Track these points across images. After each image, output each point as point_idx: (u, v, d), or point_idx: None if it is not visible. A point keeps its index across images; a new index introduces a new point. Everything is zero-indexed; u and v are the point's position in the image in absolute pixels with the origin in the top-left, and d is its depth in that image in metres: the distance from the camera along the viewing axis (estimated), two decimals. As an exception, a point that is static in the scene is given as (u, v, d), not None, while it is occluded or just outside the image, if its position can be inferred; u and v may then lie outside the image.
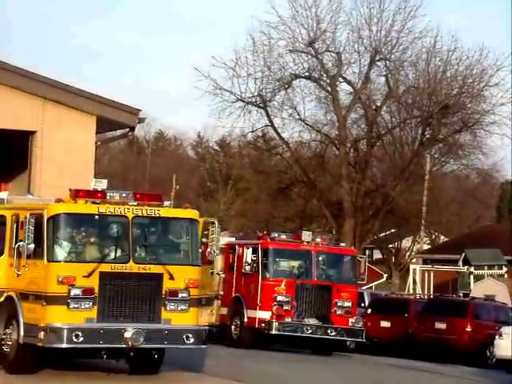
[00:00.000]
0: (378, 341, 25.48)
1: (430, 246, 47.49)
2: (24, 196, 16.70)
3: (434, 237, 50.89)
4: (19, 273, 14.19)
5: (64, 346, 13.56)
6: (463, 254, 37.35)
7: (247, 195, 50.09)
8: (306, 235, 22.44)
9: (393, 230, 46.22)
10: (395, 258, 44.85)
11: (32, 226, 13.84)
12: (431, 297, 29.03)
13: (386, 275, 38.34)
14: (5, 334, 14.29)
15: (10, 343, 14.21)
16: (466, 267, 36.39)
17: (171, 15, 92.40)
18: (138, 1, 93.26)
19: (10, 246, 14.56)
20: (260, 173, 43.11)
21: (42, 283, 13.81)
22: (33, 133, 19.19)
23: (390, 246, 46.69)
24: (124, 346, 13.77)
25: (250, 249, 22.28)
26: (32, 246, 13.88)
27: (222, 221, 56.38)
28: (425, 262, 41.02)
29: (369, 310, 26.67)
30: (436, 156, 41.07)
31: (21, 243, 14.09)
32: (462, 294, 28.39)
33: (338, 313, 21.87)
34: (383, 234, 46.68)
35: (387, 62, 39.03)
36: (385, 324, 26.10)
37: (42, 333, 13.59)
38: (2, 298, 14.50)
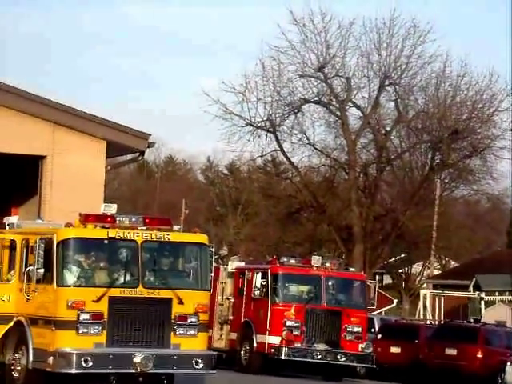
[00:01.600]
0: (388, 366, 25.31)
1: (440, 272, 47.30)
2: (34, 221, 16.74)
3: (444, 262, 50.68)
4: (29, 297, 14.20)
5: (73, 371, 13.55)
6: (474, 280, 37.21)
7: (256, 220, 50.02)
8: (316, 260, 22.38)
9: (403, 255, 46.05)
10: (405, 284, 44.65)
11: (42, 251, 13.87)
12: (442, 322, 28.86)
13: (396, 300, 38.18)
14: (14, 359, 14.29)
15: (19, 368, 14.21)
16: (476, 293, 36.21)
17: (181, 40, 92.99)
18: (147, 25, 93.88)
19: (20, 270, 14.57)
20: (269, 197, 43.10)
21: (51, 308, 13.82)
22: (43, 157, 19.27)
23: (400, 271, 46.51)
24: (133, 371, 13.74)
25: (260, 273, 22.24)
26: (42, 270, 13.91)
27: (231, 245, 56.50)
28: (435, 287, 40.84)
29: (379, 336, 26.53)
30: (446, 181, 40.98)
31: (30, 268, 14.12)
32: (472, 320, 28.21)
33: (347, 338, 21.76)
34: (393, 259, 46.51)
35: (397, 86, 39.09)
36: (395, 350, 25.94)
37: (51, 358, 13.59)
38: (12, 323, 14.49)
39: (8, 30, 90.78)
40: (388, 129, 39.89)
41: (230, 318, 22.99)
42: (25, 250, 14.57)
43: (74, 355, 13.49)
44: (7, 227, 15.43)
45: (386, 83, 38.96)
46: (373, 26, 38.74)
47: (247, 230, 53.82)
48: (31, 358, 13.91)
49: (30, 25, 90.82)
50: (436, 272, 46.03)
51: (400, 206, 39.28)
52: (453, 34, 69.31)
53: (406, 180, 40.30)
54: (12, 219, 15.71)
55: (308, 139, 39.22)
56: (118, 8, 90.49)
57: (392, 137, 40.01)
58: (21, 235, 14.83)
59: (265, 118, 38.86)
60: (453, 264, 50.56)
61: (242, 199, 57.18)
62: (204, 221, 55.92)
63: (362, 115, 39.49)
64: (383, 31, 38.80)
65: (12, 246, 14.89)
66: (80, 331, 13.60)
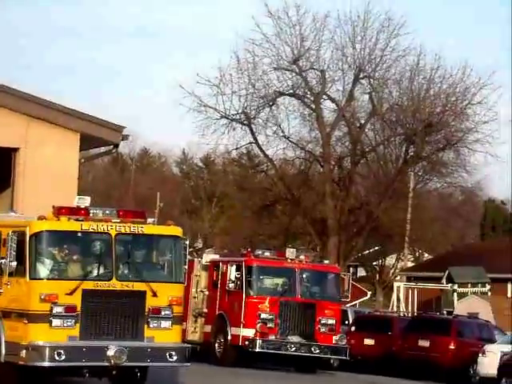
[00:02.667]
0: (362, 358, 25.44)
1: (413, 264, 47.55)
2: (7, 213, 16.62)
3: (417, 254, 50.96)
4: (1, 290, 14.11)
5: (46, 364, 13.48)
6: (447, 272, 37.40)
7: (231, 212, 50.05)
8: (290, 252, 22.43)
9: (377, 248, 46.27)
10: (379, 276, 44.87)
11: (14, 244, 13.79)
12: (415, 314, 29.03)
13: (369, 293, 38.36)
14: (-14, 353, 14.19)
15: (-9, 361, 14.12)
16: (449, 285, 36.43)
17: (154, 32, 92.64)
18: (122, 15, 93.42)
19: (-8, 263, 14.46)
20: (244, 190, 43.09)
21: (24, 301, 13.74)
22: (16, 150, 19.13)
23: (374, 263, 46.73)
24: (107, 364, 13.69)
25: (234, 266, 22.25)
26: (14, 263, 13.82)
27: (206, 238, 56.47)
28: (409, 279, 41.05)
29: (352, 328, 26.65)
30: (420, 174, 41.17)
31: (3, 261, 14.01)
32: (445, 312, 28.42)
33: (321, 330, 21.84)
34: (367, 252, 46.71)
35: (371, 79, 39.19)
36: (368, 342, 26.08)
37: (24, 351, 13.51)
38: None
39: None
40: (362, 122, 40.00)
41: (205, 310, 22.99)
42: (-3, 243, 14.47)
43: (47, 348, 13.43)
44: (-21, 220, 15.30)
45: (361, 76, 39.05)
46: (347, 19, 38.84)
47: (222, 223, 53.82)
48: (3, 352, 13.83)
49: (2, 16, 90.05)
50: (410, 264, 46.26)
51: (374, 199, 39.44)
52: (426, 27, 69.67)
53: (381, 173, 40.45)
54: (-16, 212, 15.60)
55: (283, 132, 39.28)
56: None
57: (366, 130, 40.14)
58: (-7, 228, 14.72)
59: (240, 111, 38.84)
60: (426, 256, 50.86)
61: (216, 192, 57.16)
62: (179, 213, 55.86)
63: (336, 108, 39.57)
64: (357, 24, 38.90)
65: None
66: (53, 324, 13.54)
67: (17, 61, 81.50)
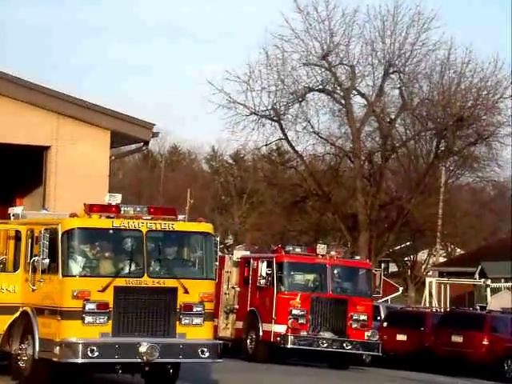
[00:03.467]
0: (394, 354, 25.32)
1: (446, 259, 47.25)
2: (39, 211, 16.74)
3: (449, 249, 50.61)
4: (34, 288, 14.21)
5: (79, 361, 13.54)
6: (480, 267, 37.16)
7: (262, 209, 50.01)
8: (321, 248, 22.38)
9: (408, 243, 46.01)
10: (411, 271, 44.62)
11: (47, 241, 13.86)
12: (447, 310, 28.85)
13: (401, 288, 38.14)
14: (20, 350, 14.30)
15: (25, 358, 14.21)
16: (482, 280, 36.17)
17: (185, 29, 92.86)
18: (152, 12, 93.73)
19: (26, 260, 14.58)
20: (274, 186, 43.05)
21: (56, 298, 13.81)
22: (47, 148, 19.25)
23: (406, 258, 46.47)
24: (139, 360, 13.73)
25: (265, 262, 22.24)
26: (47, 260, 13.90)
27: (236, 234, 56.51)
28: (441, 274, 40.81)
29: (385, 324, 26.53)
30: (451, 168, 40.90)
31: (36, 258, 14.11)
32: (478, 307, 28.21)
33: (353, 326, 21.78)
34: (399, 247, 46.47)
35: (401, 74, 38.97)
36: (401, 337, 25.95)
37: (58, 348, 13.59)
38: (18, 313, 14.51)
39: (6, 20, 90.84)
40: (393, 117, 39.79)
41: (236, 307, 23.01)
42: (30, 241, 14.57)
43: (80, 345, 13.49)
44: (12, 218, 15.43)
45: (391, 71, 38.84)
46: (377, 14, 38.66)
47: (252, 219, 53.82)
48: (37, 348, 13.92)
49: (27, 15, 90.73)
50: (442, 259, 45.98)
51: (405, 194, 39.22)
52: (457, 20, 69.09)
53: (411, 168, 40.23)
54: (17, 210, 15.71)
55: (312, 128, 39.19)
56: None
57: (397, 125, 39.93)
58: (26, 226, 14.83)
59: (269, 107, 38.81)
60: (458, 251, 50.50)
61: (246, 188, 57.16)
62: (209, 210, 55.95)
63: (366, 103, 39.40)
64: (387, 19, 38.71)
65: (17, 237, 14.89)
66: (86, 321, 13.61)
67: (45, 60, 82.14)
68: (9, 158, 20.24)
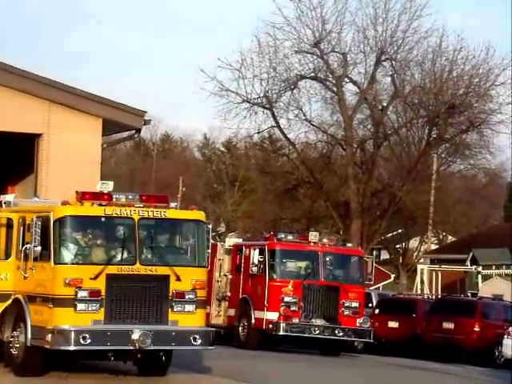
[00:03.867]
0: (386, 341, 25.42)
1: (437, 246, 47.39)
2: (31, 199, 16.71)
3: (441, 237, 50.76)
4: (26, 275, 14.21)
5: (71, 348, 13.56)
6: (471, 254, 37.26)
7: (254, 196, 50.06)
8: (313, 236, 22.42)
9: (400, 231, 46.14)
10: (403, 259, 44.77)
11: (39, 229, 13.86)
12: (439, 297, 28.96)
13: (393, 275, 38.26)
14: (12, 337, 14.30)
15: (17, 346, 14.22)
16: (473, 267, 36.30)
17: (176, 16, 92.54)
18: (141, 1, 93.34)
19: (17, 248, 14.57)
20: (266, 174, 43.08)
21: (49, 285, 13.82)
22: (39, 135, 19.21)
23: (398, 246, 46.61)
24: (131, 347, 13.75)
25: (257, 250, 22.27)
26: (39, 248, 13.89)
27: (228, 222, 56.50)
28: (432, 261, 40.94)
29: (376, 311, 26.62)
30: (443, 156, 40.98)
31: (28, 246, 14.11)
32: (469, 294, 28.33)
33: (345, 313, 21.84)
34: (390, 235, 46.59)
35: (393, 61, 38.98)
36: (393, 324, 26.05)
37: (50, 335, 13.60)
38: (10, 301, 14.51)
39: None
40: (385, 104, 39.82)
41: (228, 294, 23.05)
42: (22, 228, 14.56)
43: (72, 332, 13.50)
44: (4, 205, 15.39)
45: (383, 58, 38.85)
46: (369, 1, 38.70)
47: (244, 207, 53.86)
48: (29, 336, 13.92)
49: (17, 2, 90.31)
50: (433, 247, 46.11)
51: (397, 182, 39.30)
52: (448, 8, 69.06)
53: (403, 155, 40.30)
54: (8, 197, 15.68)
55: (304, 115, 39.21)
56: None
57: (389, 112, 39.97)
58: (17, 213, 14.81)
59: (261, 95, 38.81)
60: (450, 238, 50.65)
61: (239, 176, 57.15)
62: (201, 198, 55.92)
63: (358, 91, 39.42)
64: (379, 6, 38.73)
65: (9, 224, 14.87)
66: (78, 308, 13.61)
67: (36, 47, 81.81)
68: (0, 146, 20.19)
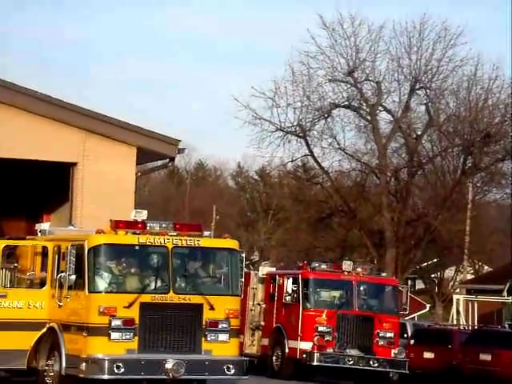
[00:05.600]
0: (422, 372, 25.09)
1: (473, 276, 46.87)
2: (66, 227, 16.81)
3: (477, 267, 50.22)
4: (61, 304, 14.27)
5: (106, 377, 13.58)
6: (508, 284, 36.75)
7: (287, 225, 49.92)
8: (347, 265, 22.27)
9: (435, 260, 45.71)
10: (438, 288, 44.30)
11: (73, 257, 13.94)
12: (475, 327, 28.57)
13: (428, 305, 37.86)
14: (47, 366, 14.36)
15: (52, 374, 14.29)
16: (510, 297, 35.80)
17: (209, 46, 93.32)
18: (175, 31, 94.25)
19: (52, 276, 14.64)
20: (300, 202, 42.98)
21: (83, 314, 13.87)
22: (74, 164, 19.36)
23: (433, 275, 46.15)
24: (165, 377, 13.75)
25: (291, 279, 22.17)
26: (73, 276, 13.96)
27: (262, 251, 56.41)
28: (468, 292, 40.46)
29: (412, 341, 26.31)
30: (478, 185, 40.62)
31: (62, 274, 14.18)
32: (507, 325, 27.92)
33: (380, 343, 21.63)
34: (425, 264, 46.18)
35: (427, 90, 38.85)
36: (428, 355, 25.72)
37: (84, 364, 13.64)
38: (45, 329, 14.55)
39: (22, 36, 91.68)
40: (419, 133, 39.63)
41: (262, 323, 22.94)
42: (56, 257, 14.64)
43: (106, 361, 13.53)
44: (39, 234, 15.52)
45: (417, 87, 38.73)
46: (403, 30, 38.58)
47: (278, 236, 53.71)
48: (64, 364, 13.97)
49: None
50: (469, 277, 45.60)
51: (432, 211, 38.98)
52: (484, 36, 68.84)
53: (438, 184, 39.99)
54: (44, 226, 15.80)
55: (338, 144, 39.11)
56: (145, 13, 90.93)
57: (423, 141, 39.75)
58: (53, 242, 14.91)
59: (295, 123, 38.80)
60: (486, 268, 50.08)
61: (272, 204, 57.11)
62: (235, 226, 55.92)
63: (392, 119, 39.29)
64: (413, 35, 38.62)
65: (44, 253, 14.96)
66: (112, 337, 13.64)
67: (73, 77, 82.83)
68: (36, 175, 20.38)
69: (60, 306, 14.27)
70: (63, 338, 14.09)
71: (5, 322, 14.52)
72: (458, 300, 36.92)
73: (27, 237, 15.92)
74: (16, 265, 15.56)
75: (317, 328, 21.42)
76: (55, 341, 14.22)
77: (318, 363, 21.27)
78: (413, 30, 38.55)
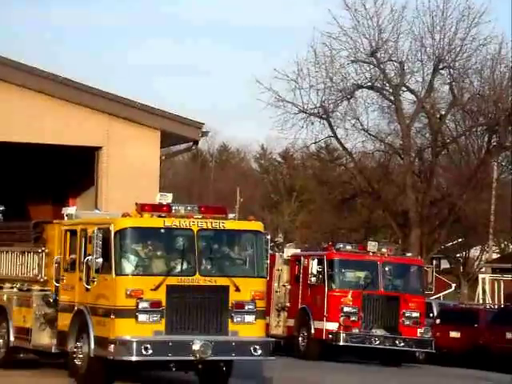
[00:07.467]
0: (448, 351, 25.10)
1: (499, 255, 46.68)
2: (91, 211, 16.93)
3: (502, 245, 49.98)
4: (88, 287, 14.39)
5: (134, 358, 13.68)
6: (533, 263, 36.57)
7: (311, 206, 49.93)
8: (372, 245, 22.28)
9: (460, 240, 45.55)
10: (463, 268, 44.17)
11: (100, 241, 14.02)
12: (501, 306, 28.50)
13: (454, 285, 37.80)
14: (76, 347, 14.49)
15: (81, 356, 14.40)
16: (536, 276, 35.64)
17: (231, 27, 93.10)
18: (197, 14, 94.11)
19: (79, 260, 14.78)
20: (324, 184, 42.94)
21: (110, 297, 13.97)
22: (99, 148, 19.48)
23: (458, 255, 46.01)
24: (192, 358, 13.82)
25: (316, 260, 22.22)
26: (100, 260, 14.06)
27: (286, 232, 56.46)
28: (494, 271, 40.32)
29: (437, 321, 26.31)
30: (503, 163, 40.38)
31: (89, 257, 14.29)
32: (533, 303, 27.78)
33: (406, 323, 21.65)
34: (450, 244, 46.02)
35: (451, 69, 38.58)
36: (454, 334, 25.72)
37: (112, 346, 13.75)
38: (74, 312, 14.70)
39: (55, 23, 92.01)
40: (443, 112, 39.39)
41: (287, 304, 23.03)
42: (83, 240, 14.76)
43: (134, 343, 13.63)
44: (66, 218, 15.65)
45: (440, 66, 38.46)
46: (426, 9, 38.28)
47: (302, 217, 53.75)
48: (92, 346, 14.08)
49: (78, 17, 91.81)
50: (494, 256, 45.42)
51: (456, 190, 38.80)
52: (508, 14, 68.16)
53: (463, 164, 39.79)
54: (70, 210, 15.92)
55: (362, 125, 38.97)
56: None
57: (447, 120, 39.52)
58: (79, 225, 15.02)
59: (318, 105, 38.70)
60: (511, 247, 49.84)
61: (296, 186, 57.10)
62: (259, 208, 55.96)
63: (415, 99, 39.07)
64: (436, 14, 38.30)
65: (72, 237, 15.08)
66: (139, 319, 13.74)
67: (100, 60, 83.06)
68: (62, 159, 20.53)
69: (87, 289, 14.39)
70: (91, 320, 14.20)
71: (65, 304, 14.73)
72: (483, 279, 36.85)
73: (54, 221, 16.06)
74: (44, 248, 15.74)
75: (342, 308, 21.47)
76: (83, 323, 14.33)
77: (344, 343, 21.34)
78: (436, 9, 38.26)
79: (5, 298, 16.32)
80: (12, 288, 16.42)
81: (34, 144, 18.98)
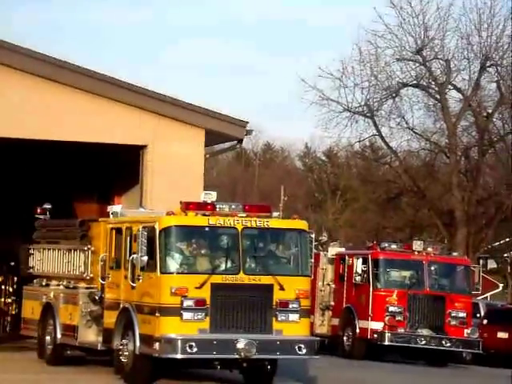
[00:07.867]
0: (495, 352, 24.79)
1: (547, 255, 45.99)
2: (136, 209, 17.03)
3: (551, 245, 49.22)
4: (134, 285, 14.47)
5: (179, 356, 13.73)
6: None
7: (355, 205, 49.69)
8: (418, 245, 22.10)
9: (508, 239, 44.98)
10: (511, 268, 43.61)
11: (145, 239, 14.09)
12: (549, 307, 28.05)
13: (501, 285, 37.32)
14: (122, 345, 14.58)
15: (126, 353, 14.49)
16: None
17: (275, 26, 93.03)
18: (242, 13, 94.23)
19: (125, 258, 14.86)
20: (368, 183, 42.72)
21: (155, 295, 14.03)
22: (144, 147, 19.57)
23: (505, 255, 45.44)
24: (237, 356, 13.84)
25: (360, 259, 22.12)
26: (145, 258, 14.13)
27: (330, 231, 56.26)
28: (542, 271, 39.71)
29: (485, 321, 26.00)
30: (551, 162, 39.78)
31: (134, 255, 14.37)
32: None
33: (452, 323, 21.45)
34: (498, 243, 45.48)
35: (498, 67, 38.13)
36: (502, 335, 25.39)
37: (157, 343, 13.81)
38: (119, 310, 14.80)
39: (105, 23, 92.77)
40: (490, 111, 38.94)
41: (332, 303, 22.95)
42: (128, 238, 14.84)
43: (179, 341, 13.67)
44: (111, 216, 15.75)
45: (487, 64, 38.02)
46: (473, 7, 37.91)
47: (346, 216, 53.51)
48: (138, 344, 14.16)
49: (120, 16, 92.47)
50: (542, 256, 44.76)
51: (504, 189, 38.34)
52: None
53: (510, 162, 39.30)
54: (116, 208, 16.03)
55: (407, 123, 38.72)
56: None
57: (494, 119, 39.06)
58: (124, 224, 15.11)
59: (362, 103, 38.53)
60: (560, 247, 49.03)
61: (340, 185, 56.86)
62: (303, 207, 55.84)
63: (462, 98, 38.68)
64: (484, 11, 37.90)
65: (117, 235, 15.18)
66: (184, 317, 13.78)
67: (138, 59, 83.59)
68: (107, 158, 20.67)
69: (133, 287, 14.47)
70: (137, 318, 14.28)
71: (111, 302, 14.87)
72: (531, 280, 36.28)
73: (100, 219, 16.18)
74: (90, 246, 15.86)
75: (387, 308, 21.34)
76: (129, 321, 14.42)
77: (390, 343, 21.21)
78: (483, 7, 37.84)
79: (51, 295, 16.51)
80: (58, 285, 16.61)
81: (81, 142, 19.13)
